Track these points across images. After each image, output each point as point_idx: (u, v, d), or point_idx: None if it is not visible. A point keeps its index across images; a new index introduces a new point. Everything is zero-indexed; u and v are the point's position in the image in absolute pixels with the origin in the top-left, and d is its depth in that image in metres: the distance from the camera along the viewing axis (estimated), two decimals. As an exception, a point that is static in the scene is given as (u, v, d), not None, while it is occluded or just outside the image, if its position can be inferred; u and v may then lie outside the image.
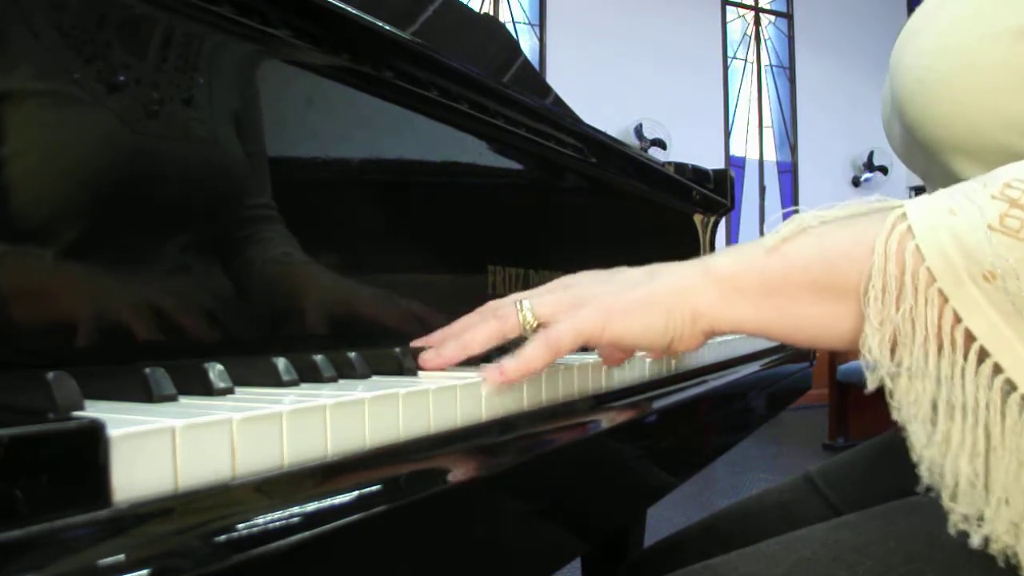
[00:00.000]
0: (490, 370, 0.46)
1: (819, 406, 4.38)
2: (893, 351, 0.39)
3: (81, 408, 0.31)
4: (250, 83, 0.52)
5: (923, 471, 0.39)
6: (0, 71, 0.38)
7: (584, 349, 0.65)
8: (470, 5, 1.36)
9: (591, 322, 0.48)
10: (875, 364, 0.39)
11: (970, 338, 0.38)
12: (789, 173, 6.30)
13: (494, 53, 1.05)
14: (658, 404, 0.59)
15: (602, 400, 0.56)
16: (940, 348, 0.38)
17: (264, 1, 0.51)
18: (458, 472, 0.37)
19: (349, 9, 0.56)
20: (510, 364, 0.46)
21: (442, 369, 0.50)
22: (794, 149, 6.30)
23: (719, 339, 0.89)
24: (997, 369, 0.37)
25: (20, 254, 0.38)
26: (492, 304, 0.54)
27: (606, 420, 0.52)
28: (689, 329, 0.47)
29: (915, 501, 0.52)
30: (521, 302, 0.50)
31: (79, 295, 0.41)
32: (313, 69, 0.56)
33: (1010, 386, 0.37)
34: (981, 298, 0.37)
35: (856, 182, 6.41)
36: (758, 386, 0.93)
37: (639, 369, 0.64)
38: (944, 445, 0.38)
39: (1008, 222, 0.37)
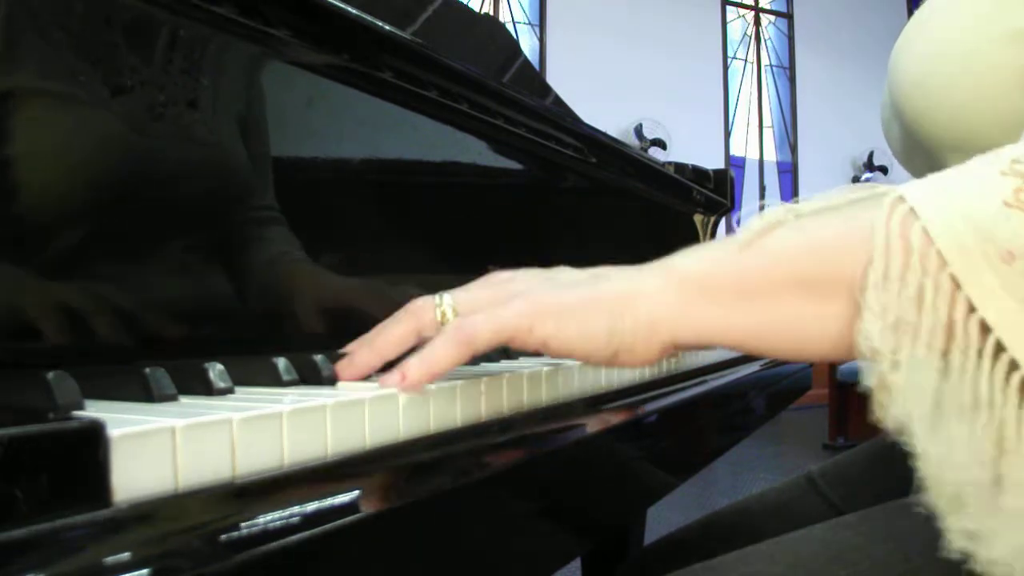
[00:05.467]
0: (389, 376, 0.40)
1: (819, 406, 4.38)
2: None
3: (81, 408, 0.31)
4: (250, 83, 0.52)
5: (924, 476, 0.34)
6: (3, 72, 0.38)
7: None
8: (470, 5, 1.36)
9: (516, 318, 0.41)
10: (874, 356, 0.34)
11: (985, 330, 0.33)
12: (789, 173, 6.31)
13: (494, 53, 1.05)
14: (658, 404, 0.59)
15: (601, 400, 0.56)
16: (949, 340, 0.33)
17: (264, 1, 0.51)
18: (458, 472, 0.37)
19: (349, 9, 0.56)
20: (413, 364, 0.40)
21: (359, 378, 0.44)
22: (794, 149, 6.30)
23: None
24: (1014, 366, 0.32)
25: (20, 253, 0.38)
26: (413, 302, 0.47)
27: (606, 420, 0.52)
28: (643, 340, 0.40)
29: (915, 501, 0.52)
30: (441, 296, 0.45)
31: (80, 295, 0.41)
32: (312, 69, 0.56)
33: None
34: (997, 284, 0.32)
35: (856, 182, 6.37)
36: (758, 386, 0.93)
37: (638, 370, 0.64)
38: (947, 446, 0.33)
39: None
